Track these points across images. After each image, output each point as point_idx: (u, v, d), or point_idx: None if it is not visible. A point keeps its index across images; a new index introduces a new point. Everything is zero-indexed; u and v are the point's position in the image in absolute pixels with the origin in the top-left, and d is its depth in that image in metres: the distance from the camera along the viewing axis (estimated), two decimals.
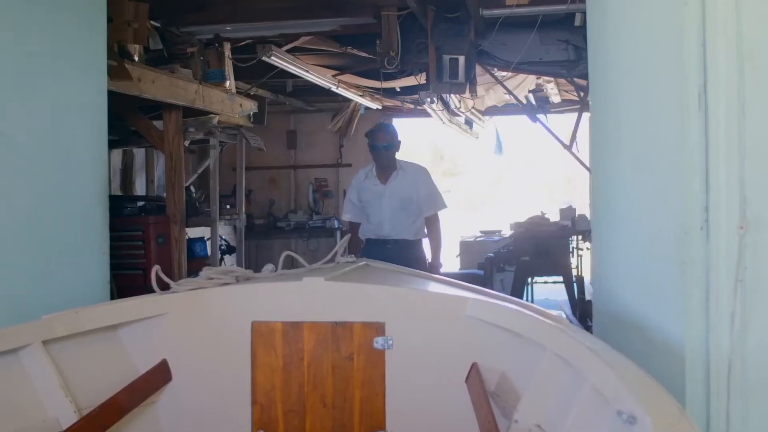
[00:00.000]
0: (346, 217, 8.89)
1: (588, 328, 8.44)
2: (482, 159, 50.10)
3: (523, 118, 15.05)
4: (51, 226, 5.72)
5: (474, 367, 4.08)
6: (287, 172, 17.76)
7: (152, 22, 8.63)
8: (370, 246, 8.13)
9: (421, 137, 48.94)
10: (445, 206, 8.49)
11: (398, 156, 8.35)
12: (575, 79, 11.00)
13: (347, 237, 6.56)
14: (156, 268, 4.42)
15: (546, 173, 52.18)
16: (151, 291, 4.52)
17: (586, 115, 11.58)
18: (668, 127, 3.53)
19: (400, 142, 8.37)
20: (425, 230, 8.42)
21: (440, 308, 4.30)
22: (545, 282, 13.26)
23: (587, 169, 11.72)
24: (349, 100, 15.59)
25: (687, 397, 3.22)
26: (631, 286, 4.30)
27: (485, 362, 4.08)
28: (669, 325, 3.54)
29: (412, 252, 8.22)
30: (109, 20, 6.61)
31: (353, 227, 8.64)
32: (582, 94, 11.63)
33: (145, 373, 4.24)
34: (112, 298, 6.42)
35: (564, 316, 4.68)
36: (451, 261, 15.67)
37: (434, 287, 4.97)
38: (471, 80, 9.44)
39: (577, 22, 8.85)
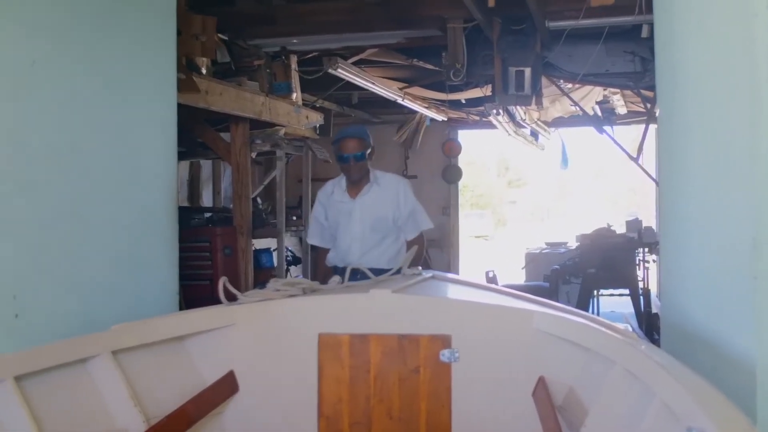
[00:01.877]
0: (311, 240, 7.25)
1: (654, 342, 8.37)
2: (547, 170, 50.09)
3: (589, 130, 15.00)
4: (122, 237, 5.79)
5: (541, 380, 4.07)
6: None
7: (220, 35, 8.70)
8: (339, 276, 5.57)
9: (487, 148, 49.06)
10: (429, 225, 7.07)
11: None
12: (642, 91, 10.95)
13: (414, 248, 6.10)
14: (223, 280, 4.45)
15: (611, 185, 52.02)
16: (218, 302, 4.55)
17: (652, 127, 11.53)
18: (739, 138, 3.49)
19: (373, 148, 6.90)
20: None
21: (507, 321, 4.29)
22: (611, 295, 13.18)
23: (654, 181, 11.69)
24: (414, 112, 15.60)
25: (758, 413, 3.18)
26: (700, 299, 4.26)
27: (552, 376, 4.06)
28: (739, 340, 3.50)
29: None
30: (178, 34, 6.67)
31: (320, 253, 7.29)
32: (649, 105, 11.57)
33: (212, 384, 4.27)
34: (180, 308, 6.47)
35: (630, 329, 4.64)
36: (517, 273, 15.65)
37: (501, 300, 4.95)
38: (537, 92, 9.39)
39: (644, 33, 8.79)
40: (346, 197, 6.82)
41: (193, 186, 12.96)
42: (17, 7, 4.92)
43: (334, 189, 6.93)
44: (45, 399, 3.42)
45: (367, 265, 5.91)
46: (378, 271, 5.78)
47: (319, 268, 7.21)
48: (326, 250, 7.01)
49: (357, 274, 5.55)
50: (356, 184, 6.80)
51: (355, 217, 6.75)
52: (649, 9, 6.55)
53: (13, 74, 4.90)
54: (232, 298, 4.54)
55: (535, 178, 58.10)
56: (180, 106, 6.66)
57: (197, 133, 9.19)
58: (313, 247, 7.70)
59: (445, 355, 4.21)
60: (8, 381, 3.25)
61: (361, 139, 6.73)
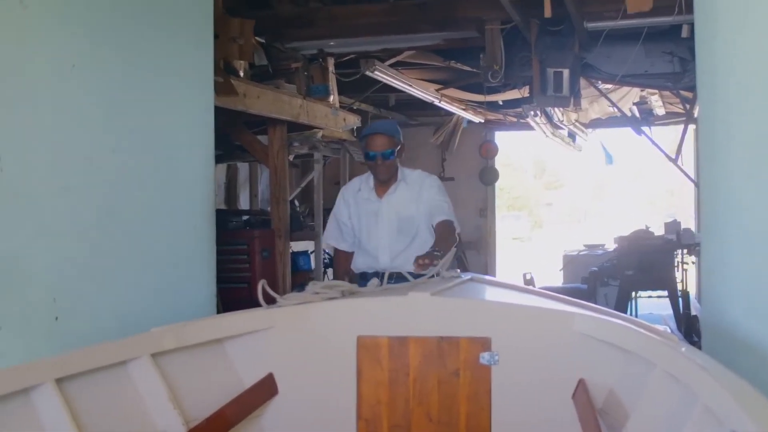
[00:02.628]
0: (328, 240, 6.82)
1: (693, 344, 8.32)
2: (585, 172, 49.86)
3: (626, 131, 14.93)
4: (160, 240, 5.80)
5: (581, 383, 4.04)
6: None
7: (257, 38, 8.72)
8: (367, 282, 5.45)
9: (524, 150, 48.93)
10: (455, 221, 6.24)
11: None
12: (681, 92, 10.88)
13: (453, 251, 5.68)
14: (262, 282, 4.44)
15: (649, 186, 51.72)
16: (256, 304, 4.55)
17: (691, 128, 11.47)
18: None
19: (403, 145, 6.34)
20: None
21: (547, 323, 4.27)
22: (649, 296, 13.12)
23: (693, 182, 11.63)
24: (451, 114, 15.59)
25: None
26: (741, 301, 4.23)
27: (592, 378, 4.04)
28: None
29: None
30: (216, 37, 6.69)
31: (338, 256, 6.69)
32: (688, 106, 11.50)
33: (251, 386, 4.28)
34: (218, 311, 6.48)
35: (669, 331, 4.65)
36: (554, 275, 15.62)
37: (540, 302, 4.93)
38: (575, 93, 9.34)
39: (684, 33, 8.74)
40: (373, 195, 6.35)
41: (231, 189, 13.00)
42: (58, 11, 4.95)
43: (361, 186, 6.45)
44: (85, 401, 3.44)
45: (398, 269, 5.58)
46: (415, 276, 5.40)
47: (338, 272, 6.68)
48: (345, 253, 6.55)
49: (392, 278, 5.29)
50: (384, 183, 6.32)
51: (381, 218, 6.28)
52: (689, 9, 6.50)
53: (53, 78, 4.93)
54: (271, 300, 4.54)
55: (572, 180, 57.89)
56: (218, 109, 6.67)
57: (235, 136, 9.22)
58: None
59: (484, 357, 4.19)
60: (49, 383, 3.26)
61: (390, 137, 6.19)
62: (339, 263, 6.67)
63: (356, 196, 6.43)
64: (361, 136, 6.41)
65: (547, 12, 8.19)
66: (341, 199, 6.56)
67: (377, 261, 6.24)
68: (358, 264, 6.43)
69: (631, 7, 7.82)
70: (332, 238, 6.64)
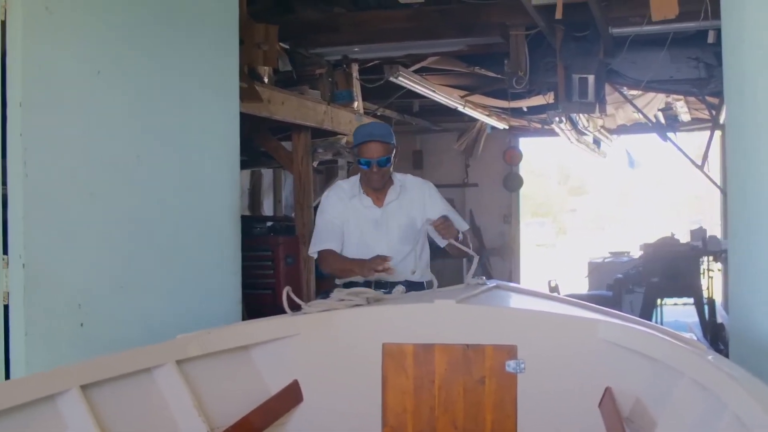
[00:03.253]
0: (320, 246, 5.84)
1: (719, 351, 8.27)
2: (609, 178, 49.69)
3: (651, 137, 14.89)
4: (186, 247, 5.80)
5: (608, 391, 4.01)
6: None
7: (281, 44, 8.73)
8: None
9: (548, 156, 48.81)
10: (465, 227, 6.09)
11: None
12: (706, 97, 10.83)
13: (476, 260, 5.60)
14: (287, 289, 4.44)
15: (674, 193, 51.51)
16: (280, 311, 4.55)
17: (717, 134, 11.41)
18: None
19: (397, 149, 5.92)
20: None
21: (573, 331, 4.24)
22: (675, 304, 13.07)
23: (720, 189, 11.57)
24: (475, 120, 15.56)
25: None
26: None
27: (619, 387, 4.01)
28: None
29: None
30: (240, 43, 6.69)
31: (333, 255, 5.82)
32: (714, 112, 11.45)
33: (276, 393, 4.27)
34: (243, 318, 6.47)
35: (695, 338, 4.63)
36: (578, 282, 15.58)
37: (565, 309, 4.90)
38: (600, 99, 9.31)
39: (711, 39, 8.70)
40: (370, 203, 5.87)
41: (254, 195, 13.02)
42: (83, 17, 4.96)
43: (354, 192, 5.91)
44: (110, 408, 3.44)
45: (400, 280, 5.44)
46: (416, 287, 5.47)
47: (337, 268, 5.78)
48: (333, 251, 5.81)
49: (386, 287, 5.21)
50: (378, 189, 5.85)
51: (381, 226, 5.85)
52: (715, 14, 6.46)
53: (79, 84, 4.94)
54: (295, 307, 4.54)
55: (596, 186, 57.77)
56: (242, 115, 6.66)
57: (259, 141, 9.22)
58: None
59: (510, 365, 4.17)
60: (74, 390, 3.27)
61: (386, 143, 5.73)
62: (335, 260, 5.82)
63: (350, 202, 5.89)
64: (354, 143, 5.92)
65: (558, 14, 8.11)
66: (331, 202, 5.96)
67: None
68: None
69: (656, 14, 7.73)
70: (322, 242, 5.86)
